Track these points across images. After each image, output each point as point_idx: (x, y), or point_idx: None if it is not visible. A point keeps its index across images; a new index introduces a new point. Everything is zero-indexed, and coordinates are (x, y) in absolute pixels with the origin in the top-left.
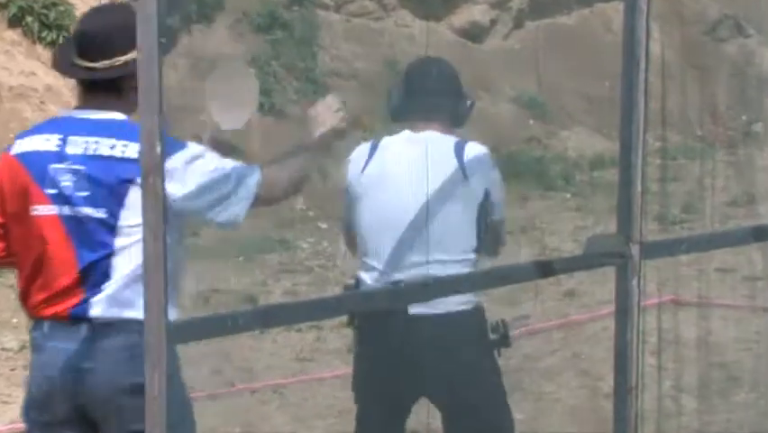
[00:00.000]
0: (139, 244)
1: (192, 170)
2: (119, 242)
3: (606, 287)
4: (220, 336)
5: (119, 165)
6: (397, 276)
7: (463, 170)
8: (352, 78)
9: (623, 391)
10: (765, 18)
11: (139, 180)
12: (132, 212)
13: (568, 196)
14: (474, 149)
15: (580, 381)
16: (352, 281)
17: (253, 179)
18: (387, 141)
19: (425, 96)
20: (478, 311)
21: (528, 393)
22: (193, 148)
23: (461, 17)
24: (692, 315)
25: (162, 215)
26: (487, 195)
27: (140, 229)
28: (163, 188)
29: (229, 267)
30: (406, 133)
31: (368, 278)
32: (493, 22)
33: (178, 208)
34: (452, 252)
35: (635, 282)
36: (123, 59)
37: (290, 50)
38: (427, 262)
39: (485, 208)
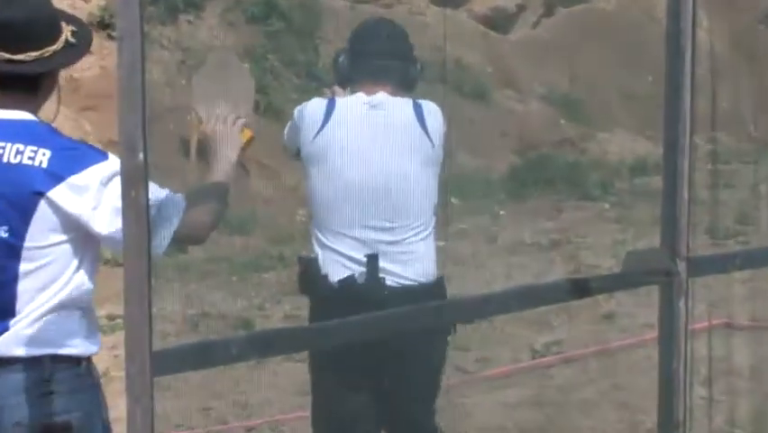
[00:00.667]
0: (46, 268)
1: (109, 189)
2: (24, 266)
3: (649, 309)
4: (211, 366)
5: (27, 175)
6: (364, 241)
7: (428, 134)
8: None
9: (668, 426)
10: None
11: (50, 194)
12: (40, 231)
13: (606, 206)
14: (431, 109)
15: (620, 415)
16: (310, 255)
17: (176, 211)
18: (341, 103)
19: (376, 57)
20: (440, 284)
21: (562, 429)
22: (114, 162)
23: (484, 3)
24: (747, 340)
25: (147, 233)
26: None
27: (48, 251)
28: (147, 202)
29: (221, 288)
30: (361, 96)
31: (332, 250)
32: (520, 8)
33: (88, 231)
34: (421, 217)
35: (681, 303)
36: (51, 49)
37: (289, 42)
38: (395, 230)
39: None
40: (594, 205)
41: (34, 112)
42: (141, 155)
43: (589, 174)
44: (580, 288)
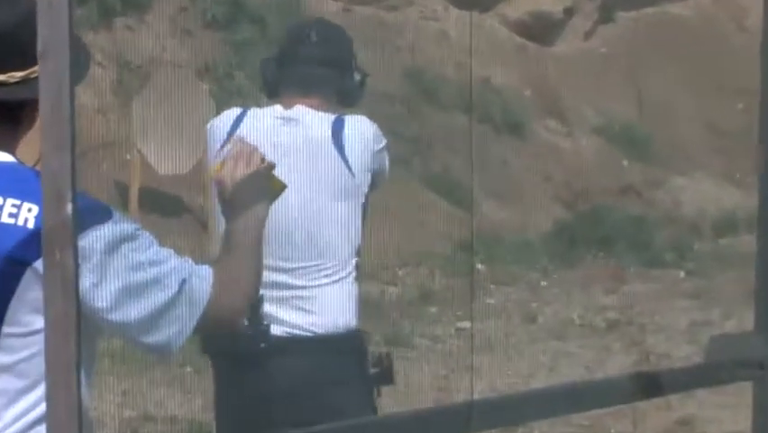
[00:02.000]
0: (30, 362)
1: (116, 259)
2: (0, 359)
3: (738, 411)
4: None
5: (6, 236)
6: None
7: (344, 159)
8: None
9: None
10: None
11: (38, 263)
12: (22, 312)
13: (682, 275)
14: (356, 126)
15: None
16: None
17: (202, 288)
18: (250, 116)
19: (301, 65)
20: (356, 338)
21: None
22: (120, 223)
23: (520, 6)
24: None
25: (76, 307)
26: (373, 184)
27: (32, 340)
28: (76, 265)
29: (169, 382)
30: (276, 108)
31: None
32: (568, 12)
33: (87, 313)
34: (332, 258)
35: None
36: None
37: (262, 55)
38: (296, 272)
39: (368, 201)
40: (666, 273)
41: (13, 152)
42: (69, 206)
43: (660, 232)
44: (647, 384)
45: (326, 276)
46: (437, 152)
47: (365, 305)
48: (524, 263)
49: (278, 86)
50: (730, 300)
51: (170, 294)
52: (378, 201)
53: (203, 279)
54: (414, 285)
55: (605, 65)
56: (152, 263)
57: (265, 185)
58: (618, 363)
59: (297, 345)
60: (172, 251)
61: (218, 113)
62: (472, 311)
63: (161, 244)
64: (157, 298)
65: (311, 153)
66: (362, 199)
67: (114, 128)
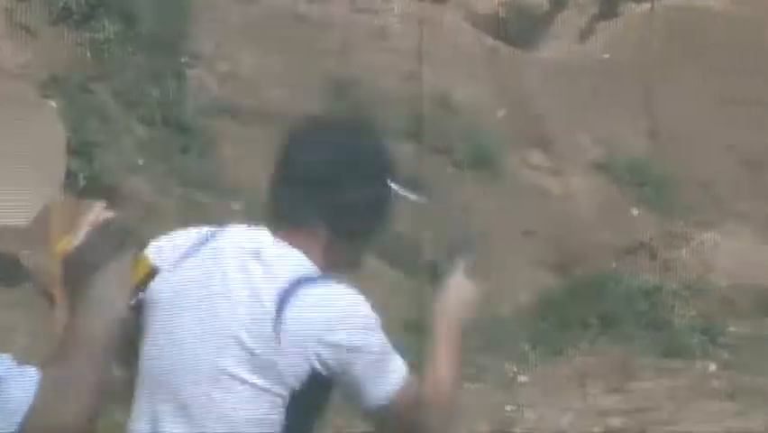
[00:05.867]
0: None
1: None
2: None
3: None
4: None
5: None
6: None
7: (275, 326)
8: (266, 119)
9: None
10: None
11: None
12: None
13: (712, 367)
14: (317, 299)
15: None
16: None
17: (21, 396)
18: (220, 238)
19: (282, 186)
20: None
21: None
22: None
23: None
24: None
25: None
26: (317, 379)
27: None
28: None
29: None
30: (249, 233)
31: None
32: (558, 3)
33: None
34: None
35: None
36: None
37: (133, 62)
38: None
39: (310, 403)
40: (690, 365)
41: None
42: None
43: (683, 308)
44: None
45: None
46: None
47: None
48: (494, 351)
49: (269, 209)
50: None
51: None
52: None
53: (24, 384)
54: None
55: (607, 76)
56: None
57: (127, 267)
58: None
59: None
60: None
61: (70, 138)
62: None
63: None
64: None
65: (249, 302)
66: (285, 392)
67: None
